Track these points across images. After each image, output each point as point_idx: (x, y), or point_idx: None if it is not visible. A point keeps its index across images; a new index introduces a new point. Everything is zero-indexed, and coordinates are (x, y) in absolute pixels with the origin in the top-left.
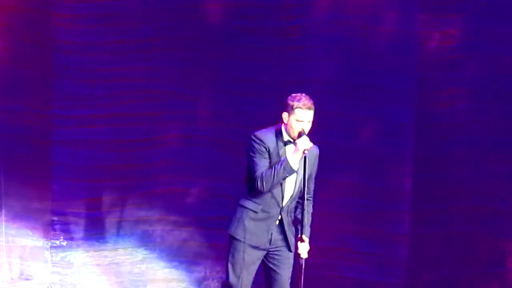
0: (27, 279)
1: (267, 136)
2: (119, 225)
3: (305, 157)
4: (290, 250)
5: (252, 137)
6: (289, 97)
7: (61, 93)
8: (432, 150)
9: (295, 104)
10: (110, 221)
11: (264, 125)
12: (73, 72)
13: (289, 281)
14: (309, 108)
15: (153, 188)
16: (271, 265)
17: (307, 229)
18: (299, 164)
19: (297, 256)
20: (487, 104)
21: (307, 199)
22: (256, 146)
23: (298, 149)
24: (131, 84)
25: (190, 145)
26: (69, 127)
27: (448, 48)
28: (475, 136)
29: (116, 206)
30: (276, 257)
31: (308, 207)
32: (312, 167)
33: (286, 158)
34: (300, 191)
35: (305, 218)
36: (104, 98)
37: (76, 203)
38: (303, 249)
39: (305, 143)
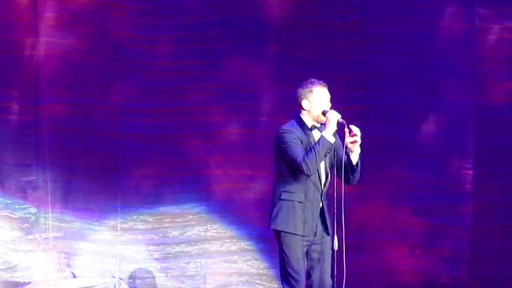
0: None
1: (293, 127)
2: (180, 219)
3: (344, 124)
4: (328, 234)
5: (280, 131)
6: (300, 87)
7: (126, 86)
8: (492, 144)
9: (313, 86)
10: (173, 215)
11: None
12: (137, 65)
13: (330, 272)
14: (326, 86)
15: (213, 183)
16: (314, 257)
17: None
18: (334, 138)
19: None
20: None
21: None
22: (287, 136)
23: (331, 121)
24: (191, 77)
25: (250, 139)
26: (134, 120)
27: (507, 42)
28: None
29: (178, 201)
30: (319, 249)
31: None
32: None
33: (322, 135)
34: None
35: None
36: (166, 92)
37: (141, 197)
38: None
39: (335, 114)
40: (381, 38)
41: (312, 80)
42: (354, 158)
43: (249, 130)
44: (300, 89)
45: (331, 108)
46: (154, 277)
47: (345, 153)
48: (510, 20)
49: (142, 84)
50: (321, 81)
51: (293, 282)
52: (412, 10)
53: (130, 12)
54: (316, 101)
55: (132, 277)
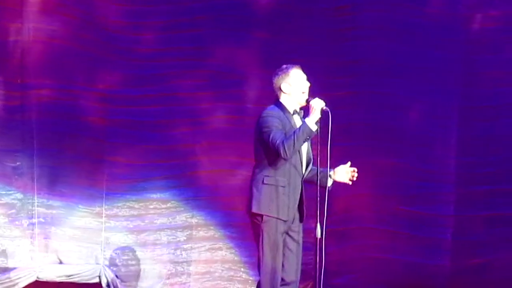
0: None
1: (275, 111)
2: (166, 205)
3: (328, 112)
4: (301, 222)
5: (262, 115)
6: (278, 72)
7: (113, 73)
8: (476, 132)
9: (290, 70)
10: (159, 201)
11: None
12: (124, 52)
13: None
14: (300, 67)
15: (199, 169)
16: (290, 246)
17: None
18: (317, 125)
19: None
20: None
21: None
22: (270, 119)
23: (314, 109)
24: (178, 64)
25: (237, 125)
26: (121, 107)
27: (492, 30)
28: None
29: (164, 187)
30: (295, 237)
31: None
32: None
33: (304, 121)
34: (311, 158)
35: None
36: (152, 78)
37: (128, 183)
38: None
39: (319, 101)
40: (367, 25)
41: (287, 65)
42: (331, 181)
43: (236, 116)
44: (277, 75)
45: (312, 94)
46: (139, 264)
47: (324, 174)
48: (494, 9)
49: (129, 71)
50: (295, 65)
51: (273, 267)
52: None
53: None
54: (295, 82)
55: (117, 263)
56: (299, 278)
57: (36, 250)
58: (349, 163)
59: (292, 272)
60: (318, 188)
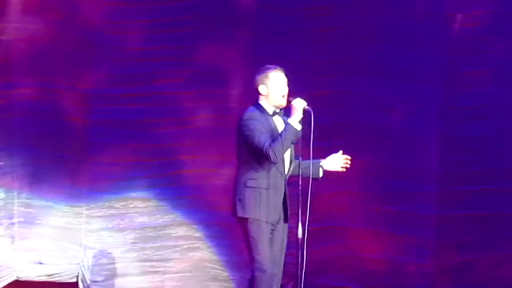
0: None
1: (255, 114)
2: (147, 204)
3: (310, 112)
4: (286, 222)
5: (244, 118)
6: (257, 73)
7: (96, 72)
8: (459, 132)
9: (270, 71)
10: (140, 201)
11: None
12: (107, 51)
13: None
14: (282, 70)
15: (182, 168)
16: (275, 246)
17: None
18: (300, 125)
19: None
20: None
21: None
22: (251, 122)
23: (296, 109)
24: (161, 63)
25: (220, 125)
26: (104, 106)
27: (476, 30)
28: (501, 118)
29: (146, 186)
30: (280, 236)
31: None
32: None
33: (288, 123)
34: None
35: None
36: (136, 77)
37: (109, 182)
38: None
39: (301, 101)
40: (351, 25)
41: (268, 66)
42: (322, 172)
43: (219, 116)
44: (257, 76)
45: (291, 94)
46: (119, 262)
47: (316, 165)
48: (477, 8)
49: (112, 70)
50: (277, 66)
51: (261, 269)
52: None
53: None
54: (273, 85)
55: (97, 263)
56: (281, 272)
57: (16, 249)
58: (340, 151)
59: (275, 269)
60: (310, 179)
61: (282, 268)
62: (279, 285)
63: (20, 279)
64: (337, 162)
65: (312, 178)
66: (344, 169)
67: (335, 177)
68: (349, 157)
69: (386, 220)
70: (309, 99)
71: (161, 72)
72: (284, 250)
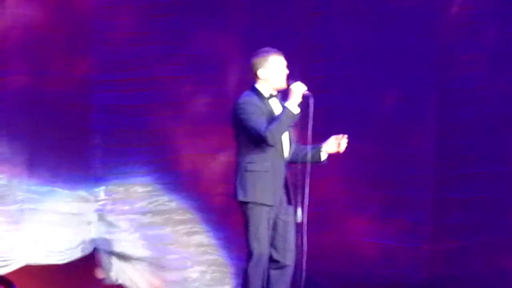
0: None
1: (251, 98)
2: (147, 189)
3: (309, 96)
4: (290, 204)
5: (240, 102)
6: (256, 56)
7: (92, 58)
8: (454, 116)
9: (269, 55)
10: (140, 185)
11: None
12: (104, 36)
13: (293, 243)
14: (281, 54)
15: (180, 153)
16: (279, 229)
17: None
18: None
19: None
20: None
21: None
22: (248, 107)
23: (295, 93)
24: (158, 48)
25: (217, 110)
26: (101, 92)
27: (470, 14)
28: (497, 102)
29: (145, 171)
30: (284, 219)
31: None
32: None
33: (285, 106)
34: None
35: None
36: (132, 63)
37: (109, 167)
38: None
39: (300, 86)
40: (343, 10)
41: (267, 48)
42: (324, 155)
43: (216, 100)
44: (255, 59)
45: (290, 77)
46: (120, 247)
47: (317, 149)
48: None
49: (109, 56)
50: (276, 49)
51: (258, 253)
52: None
53: None
54: (274, 69)
55: (100, 247)
56: (293, 263)
57: (23, 235)
58: (341, 135)
59: (282, 252)
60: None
61: (292, 257)
62: (290, 274)
63: (27, 264)
64: (336, 143)
65: (315, 163)
66: (343, 150)
67: (331, 162)
68: (345, 135)
69: (382, 204)
70: (304, 84)
71: (158, 57)
72: (292, 236)
